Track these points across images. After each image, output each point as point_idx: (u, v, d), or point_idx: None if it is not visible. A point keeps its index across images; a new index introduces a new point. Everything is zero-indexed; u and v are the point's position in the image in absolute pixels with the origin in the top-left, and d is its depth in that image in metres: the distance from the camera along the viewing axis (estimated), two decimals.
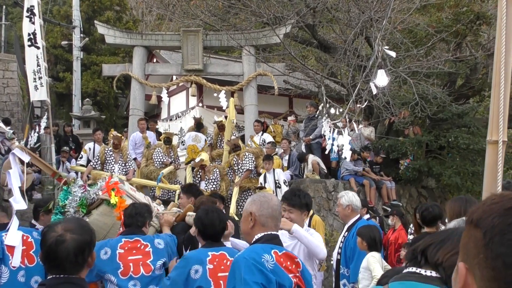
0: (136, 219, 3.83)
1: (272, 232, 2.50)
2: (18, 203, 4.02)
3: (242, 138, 11.51)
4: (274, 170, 8.91)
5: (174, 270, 3.24)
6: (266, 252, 2.34)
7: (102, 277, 3.59)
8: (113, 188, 4.26)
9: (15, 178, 4.08)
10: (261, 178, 9.00)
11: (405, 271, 2.06)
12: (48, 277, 2.04)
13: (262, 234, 2.46)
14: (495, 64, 1.61)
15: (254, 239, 2.47)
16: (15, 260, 3.82)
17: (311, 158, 10.08)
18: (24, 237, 3.99)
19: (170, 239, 3.97)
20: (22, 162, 4.34)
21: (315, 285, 7.44)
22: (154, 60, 16.05)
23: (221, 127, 10.59)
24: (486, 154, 1.49)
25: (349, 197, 4.78)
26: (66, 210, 4.12)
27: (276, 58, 13.59)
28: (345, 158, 10.15)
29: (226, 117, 11.14)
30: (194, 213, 4.01)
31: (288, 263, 2.39)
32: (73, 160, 11.22)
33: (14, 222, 3.98)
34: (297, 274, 2.42)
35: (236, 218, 7.24)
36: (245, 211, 2.55)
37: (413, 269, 1.90)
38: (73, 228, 2.04)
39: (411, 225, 7.00)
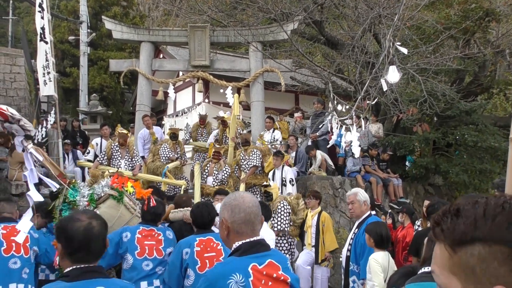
0: (153, 216, 4.46)
1: (251, 239, 2.19)
2: (35, 196, 4.27)
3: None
4: (283, 167, 8.91)
5: (171, 255, 4.10)
6: (240, 270, 2.07)
7: (122, 257, 4.20)
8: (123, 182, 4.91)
9: (33, 176, 4.33)
10: (270, 174, 9.01)
11: (420, 271, 2.05)
12: (70, 269, 2.06)
13: (240, 243, 2.18)
14: None
15: (232, 248, 2.21)
16: (19, 238, 4.08)
17: (319, 153, 10.07)
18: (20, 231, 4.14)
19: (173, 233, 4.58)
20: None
21: (319, 281, 7.46)
22: (161, 56, 16.06)
23: (223, 122, 10.58)
24: (509, 151, 1.45)
25: (364, 194, 4.82)
26: (77, 205, 4.48)
27: (283, 54, 13.56)
28: (353, 154, 10.14)
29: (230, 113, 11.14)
30: (177, 209, 5.31)
31: (271, 278, 2.12)
32: (78, 153, 11.26)
33: (29, 212, 4.21)
34: None
35: None
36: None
37: (429, 269, 1.88)
38: (94, 215, 2.16)
39: (417, 222, 6.96)
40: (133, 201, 4.96)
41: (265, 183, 8.55)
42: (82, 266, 2.04)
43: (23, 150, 4.54)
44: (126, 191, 4.83)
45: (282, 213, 7.49)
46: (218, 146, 9.57)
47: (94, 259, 2.09)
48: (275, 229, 7.33)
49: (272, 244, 4.84)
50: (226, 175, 9.11)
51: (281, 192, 8.54)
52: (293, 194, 8.29)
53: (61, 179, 4.72)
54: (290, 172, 8.93)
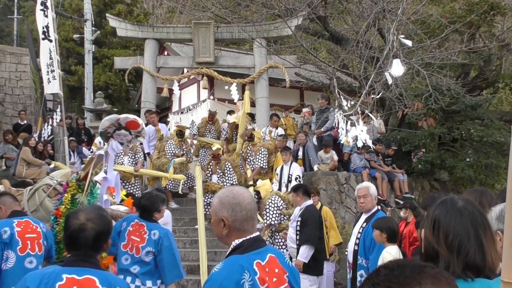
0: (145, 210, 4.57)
1: (251, 236, 2.16)
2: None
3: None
4: (291, 163, 8.92)
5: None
6: (247, 268, 2.04)
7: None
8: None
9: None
10: (278, 169, 9.02)
11: None
12: (67, 255, 2.37)
13: (241, 240, 2.14)
14: None
15: (232, 247, 2.15)
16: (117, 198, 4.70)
17: (334, 154, 10.11)
18: (34, 227, 4.18)
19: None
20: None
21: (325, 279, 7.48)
22: (165, 53, 16.05)
23: (235, 127, 10.56)
24: (511, 143, 1.44)
25: (375, 189, 4.87)
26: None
27: (288, 50, 13.54)
28: (358, 150, 10.12)
29: (231, 111, 11.13)
30: None
31: (274, 274, 2.13)
32: (84, 150, 11.31)
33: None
34: (284, 286, 2.16)
35: None
36: (215, 214, 2.19)
37: None
38: (93, 217, 2.35)
39: None
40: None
41: (251, 182, 8.63)
42: (78, 254, 2.31)
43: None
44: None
45: (271, 208, 7.57)
46: (218, 147, 9.42)
47: (92, 255, 2.34)
48: (266, 223, 7.53)
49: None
50: (232, 177, 9.00)
51: (287, 189, 8.54)
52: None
53: (88, 176, 4.81)
54: (297, 169, 8.93)
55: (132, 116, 4.62)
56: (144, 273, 4.31)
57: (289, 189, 8.52)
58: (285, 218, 7.62)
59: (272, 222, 7.51)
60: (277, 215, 7.58)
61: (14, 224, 4.06)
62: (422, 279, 1.00)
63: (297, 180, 8.78)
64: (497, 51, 12.41)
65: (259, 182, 8.64)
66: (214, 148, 9.28)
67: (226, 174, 8.96)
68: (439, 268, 1.04)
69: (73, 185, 4.69)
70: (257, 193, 8.00)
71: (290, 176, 8.82)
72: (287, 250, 7.55)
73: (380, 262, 4.33)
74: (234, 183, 8.85)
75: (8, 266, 3.98)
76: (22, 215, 4.26)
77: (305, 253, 6.03)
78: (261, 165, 9.21)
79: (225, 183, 8.86)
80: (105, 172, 4.76)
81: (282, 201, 7.68)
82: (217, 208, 2.19)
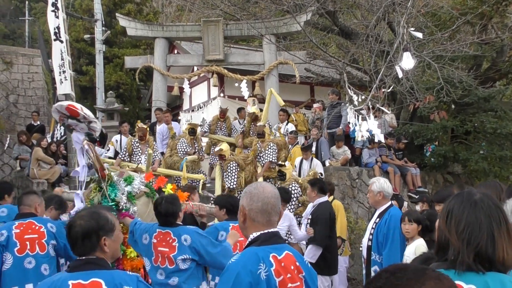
0: (170, 215, 4.01)
1: (269, 230, 2.21)
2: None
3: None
4: (312, 159, 8.90)
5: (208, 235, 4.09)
6: (263, 258, 2.09)
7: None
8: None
9: (82, 173, 4.62)
10: (297, 161, 8.99)
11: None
12: (73, 260, 2.37)
13: (258, 233, 2.20)
14: None
15: (249, 239, 2.22)
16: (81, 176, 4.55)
17: (347, 150, 10.06)
18: (37, 227, 4.16)
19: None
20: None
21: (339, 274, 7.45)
22: (175, 52, 16.12)
23: (255, 118, 10.54)
24: None
25: (380, 184, 4.79)
26: (118, 202, 4.54)
27: (297, 46, 13.51)
28: (370, 144, 10.08)
29: (241, 108, 11.13)
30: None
31: (289, 270, 2.14)
32: (96, 149, 11.37)
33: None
34: (297, 284, 2.16)
35: None
36: (240, 204, 2.33)
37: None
38: (83, 215, 2.37)
39: None
40: None
41: (280, 162, 8.58)
42: (82, 258, 2.30)
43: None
44: (163, 192, 4.84)
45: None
46: (220, 148, 9.36)
47: (87, 253, 2.30)
48: None
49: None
50: (232, 180, 8.94)
51: None
52: (309, 174, 8.27)
53: (101, 172, 4.74)
54: (319, 166, 8.88)
55: (66, 103, 4.37)
56: (186, 280, 3.86)
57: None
58: (299, 204, 7.66)
59: (291, 211, 7.51)
60: (294, 204, 7.61)
61: (13, 226, 4.09)
62: (426, 280, 1.02)
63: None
64: (509, 42, 12.23)
65: (288, 164, 8.58)
66: (216, 149, 9.20)
67: (227, 174, 8.88)
68: (440, 272, 1.08)
69: (93, 184, 4.73)
70: (282, 174, 7.94)
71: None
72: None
73: (413, 255, 4.31)
74: (231, 186, 8.72)
75: (6, 267, 4.01)
76: (28, 216, 4.27)
77: (310, 253, 5.87)
78: (271, 159, 9.15)
79: (226, 183, 8.86)
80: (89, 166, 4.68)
81: (299, 189, 7.71)
82: (241, 197, 2.32)
